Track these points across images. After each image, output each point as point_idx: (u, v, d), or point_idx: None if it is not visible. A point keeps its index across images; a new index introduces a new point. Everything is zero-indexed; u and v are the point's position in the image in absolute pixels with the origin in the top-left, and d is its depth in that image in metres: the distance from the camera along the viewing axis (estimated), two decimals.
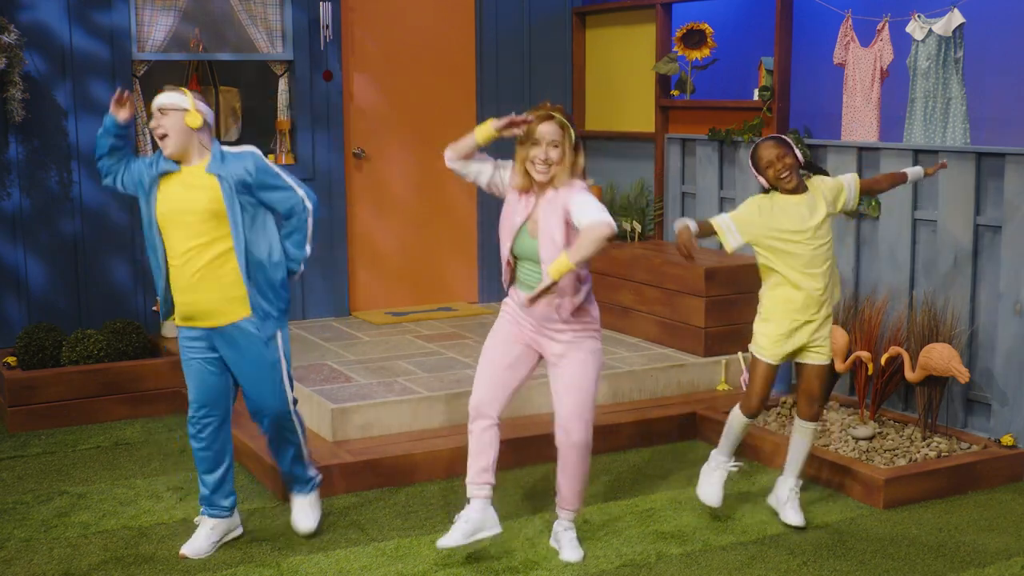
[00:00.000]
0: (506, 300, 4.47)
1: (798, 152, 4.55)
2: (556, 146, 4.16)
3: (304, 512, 4.64)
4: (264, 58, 7.32)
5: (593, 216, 4.01)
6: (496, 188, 4.37)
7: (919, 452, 5.28)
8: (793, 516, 4.70)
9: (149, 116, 7.02)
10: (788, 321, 4.59)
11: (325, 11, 7.23)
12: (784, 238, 4.54)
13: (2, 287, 6.71)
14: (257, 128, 8.17)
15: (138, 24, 6.90)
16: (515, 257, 4.33)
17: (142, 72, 6.98)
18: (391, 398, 5.61)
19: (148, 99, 7.15)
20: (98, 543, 4.56)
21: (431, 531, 4.68)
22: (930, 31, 5.91)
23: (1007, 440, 5.33)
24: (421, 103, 7.74)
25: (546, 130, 4.17)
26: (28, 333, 6.27)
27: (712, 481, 4.76)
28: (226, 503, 4.51)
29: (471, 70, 7.89)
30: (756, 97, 6.81)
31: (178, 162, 4.28)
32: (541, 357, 4.41)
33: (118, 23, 6.81)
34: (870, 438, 5.46)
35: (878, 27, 6.22)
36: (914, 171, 4.92)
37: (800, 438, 4.75)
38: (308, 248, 4.43)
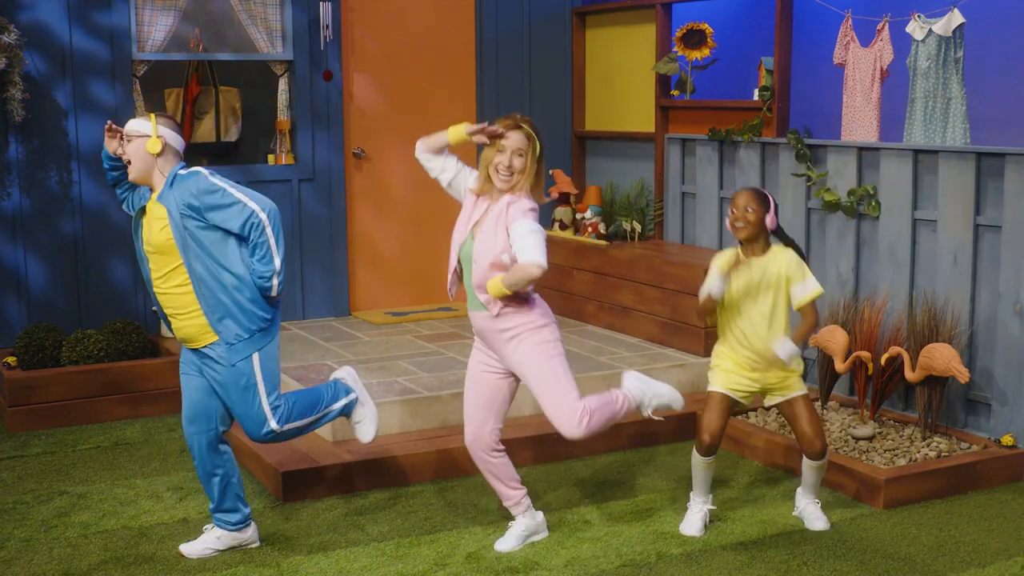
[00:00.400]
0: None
1: (772, 216, 4.51)
2: (521, 155, 4.24)
3: (356, 429, 4.67)
4: (264, 58, 7.32)
5: (527, 256, 4.10)
6: (455, 190, 4.48)
7: (919, 452, 5.28)
8: (817, 523, 4.71)
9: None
10: (736, 366, 4.62)
11: (325, 11, 7.23)
12: (732, 291, 4.55)
13: (2, 287, 6.72)
14: (257, 128, 8.17)
15: (138, 24, 6.90)
16: (461, 265, 4.38)
17: (142, 72, 6.98)
18: (391, 398, 5.61)
19: (148, 100, 7.18)
20: (98, 543, 4.56)
21: (431, 531, 4.68)
22: (930, 31, 5.91)
23: (1007, 440, 5.33)
24: (421, 103, 7.74)
25: (513, 138, 4.25)
26: (28, 333, 6.28)
27: (693, 520, 4.71)
28: (231, 519, 4.44)
29: (471, 70, 7.89)
30: (756, 97, 6.81)
31: (151, 189, 4.27)
32: (511, 375, 4.45)
33: (118, 23, 6.81)
34: (870, 438, 5.46)
35: (878, 27, 6.22)
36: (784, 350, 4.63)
37: (809, 471, 4.69)
38: (277, 261, 4.21)
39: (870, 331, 5.65)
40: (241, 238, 4.20)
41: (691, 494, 4.77)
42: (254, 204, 4.18)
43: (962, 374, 5.19)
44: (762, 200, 4.51)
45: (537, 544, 4.53)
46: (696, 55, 7.15)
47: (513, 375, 4.44)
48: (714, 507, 4.77)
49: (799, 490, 4.80)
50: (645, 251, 7.03)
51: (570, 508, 4.94)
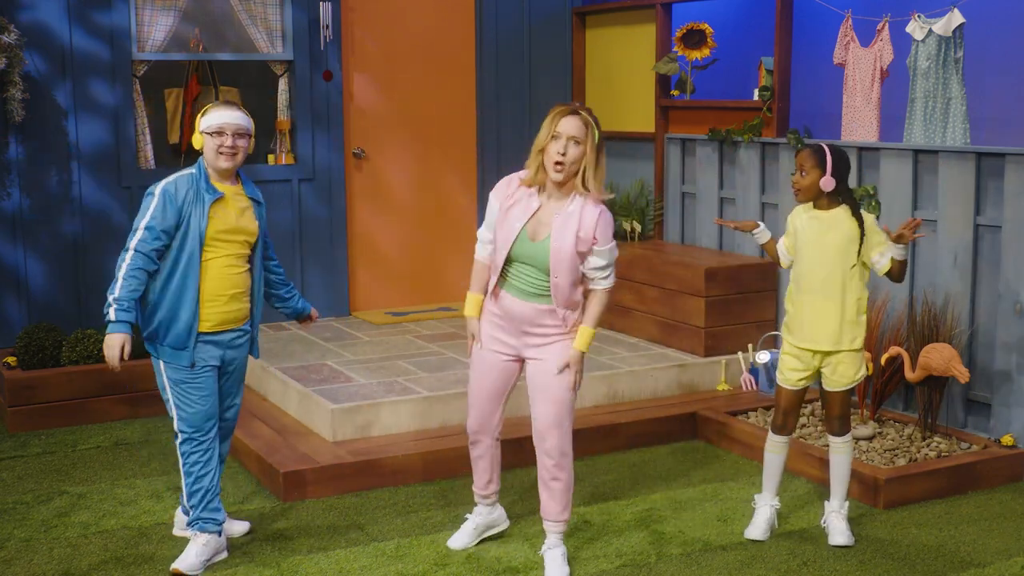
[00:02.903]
0: (478, 318, 4.32)
1: (827, 177, 4.34)
2: (578, 143, 4.00)
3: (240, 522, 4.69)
4: (264, 58, 7.32)
5: (600, 284, 4.15)
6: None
7: (919, 452, 5.28)
8: (836, 537, 4.55)
9: (149, 116, 7.07)
10: (792, 344, 4.52)
11: (325, 11, 7.23)
12: (800, 245, 4.49)
13: (2, 287, 6.71)
14: (257, 128, 8.14)
15: (138, 24, 6.89)
16: (508, 260, 4.18)
17: (142, 72, 6.98)
18: (391, 398, 5.61)
19: (148, 99, 7.18)
20: (98, 543, 4.56)
21: (431, 531, 4.68)
22: (930, 31, 5.91)
23: (1007, 440, 5.33)
24: (421, 103, 7.74)
25: (568, 124, 4.00)
26: (28, 333, 6.27)
27: (756, 521, 4.63)
28: (220, 517, 4.43)
29: (471, 70, 7.89)
30: (756, 97, 6.81)
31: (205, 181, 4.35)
32: (523, 360, 4.29)
33: (118, 23, 6.81)
34: (870, 438, 5.46)
35: (878, 27, 6.22)
36: None
37: (832, 455, 4.63)
38: None
39: (870, 331, 5.65)
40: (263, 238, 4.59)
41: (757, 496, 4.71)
42: None
43: (962, 374, 5.19)
44: (814, 156, 4.39)
45: (536, 544, 4.53)
46: (696, 55, 7.15)
47: (523, 360, 4.28)
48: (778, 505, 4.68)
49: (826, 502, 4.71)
50: (645, 251, 7.03)
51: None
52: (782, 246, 4.63)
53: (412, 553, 4.46)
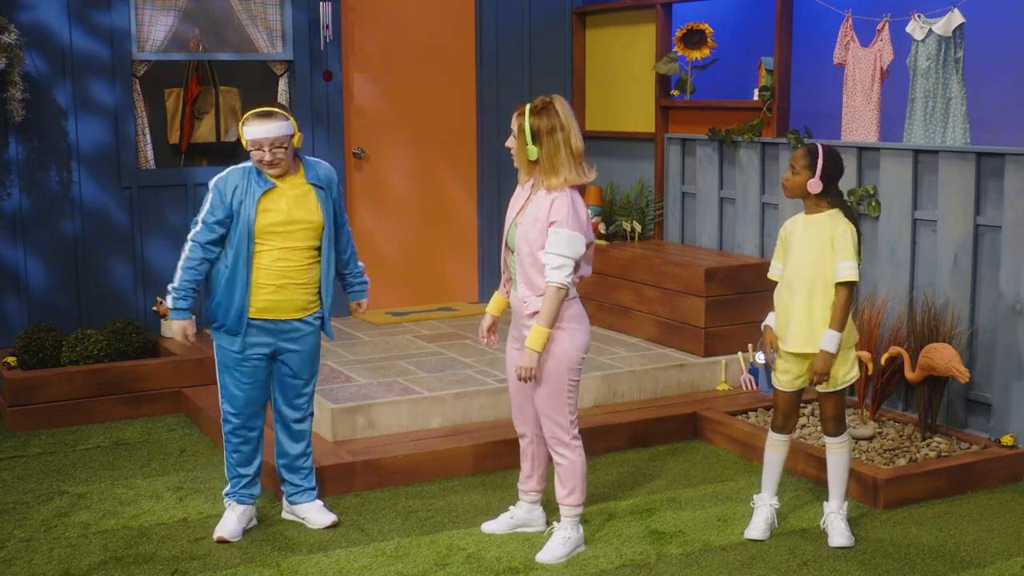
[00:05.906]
0: (492, 314, 4.61)
1: (815, 179, 4.33)
2: (514, 137, 4.32)
3: (322, 509, 4.79)
4: (264, 58, 7.32)
5: (548, 277, 4.19)
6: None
7: (919, 452, 5.28)
8: (836, 538, 4.53)
9: (148, 116, 7.07)
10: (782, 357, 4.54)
11: (325, 11, 7.23)
12: (788, 250, 4.50)
13: (2, 287, 6.71)
14: None
15: (138, 24, 6.90)
16: (509, 249, 4.42)
17: (142, 72, 6.98)
18: (391, 398, 5.61)
19: (148, 99, 7.17)
20: (98, 543, 4.56)
21: (431, 531, 4.68)
22: (930, 31, 5.91)
23: (1007, 440, 5.33)
24: (421, 103, 7.74)
25: (512, 122, 4.35)
26: (28, 333, 6.28)
27: (755, 521, 4.63)
28: (256, 491, 4.73)
29: (471, 70, 7.89)
30: (756, 97, 6.81)
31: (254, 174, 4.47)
32: None
33: (118, 23, 6.81)
34: (870, 438, 5.46)
35: (878, 27, 6.22)
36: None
37: (828, 456, 4.60)
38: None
39: (870, 331, 5.66)
40: (339, 228, 4.69)
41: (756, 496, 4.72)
42: None
43: (962, 374, 5.19)
44: (803, 157, 4.37)
45: (537, 544, 4.52)
46: (696, 55, 7.15)
47: None
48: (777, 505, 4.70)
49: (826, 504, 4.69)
50: (645, 251, 7.03)
51: None
52: (773, 261, 4.65)
53: (412, 553, 4.46)
